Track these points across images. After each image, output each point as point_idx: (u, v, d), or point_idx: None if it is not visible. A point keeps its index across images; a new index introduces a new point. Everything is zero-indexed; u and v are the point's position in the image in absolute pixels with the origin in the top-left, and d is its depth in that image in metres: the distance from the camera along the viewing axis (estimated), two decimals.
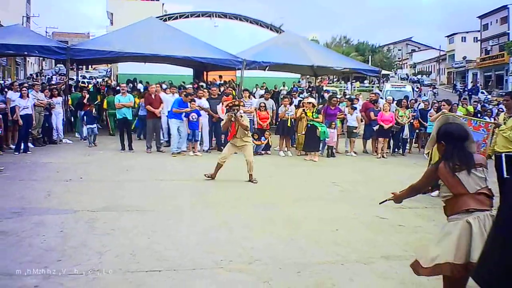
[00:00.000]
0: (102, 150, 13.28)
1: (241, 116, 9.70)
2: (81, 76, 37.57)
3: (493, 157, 7.96)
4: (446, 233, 3.50)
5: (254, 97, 17.81)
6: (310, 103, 13.72)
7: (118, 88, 17.97)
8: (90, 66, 56.05)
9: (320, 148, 13.88)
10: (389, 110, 14.87)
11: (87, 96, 15.91)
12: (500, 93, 36.62)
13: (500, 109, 16.51)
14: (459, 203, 3.50)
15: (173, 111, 12.84)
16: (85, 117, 14.53)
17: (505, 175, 4.78)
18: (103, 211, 6.90)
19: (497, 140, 7.83)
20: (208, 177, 9.68)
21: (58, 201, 7.52)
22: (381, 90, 24.67)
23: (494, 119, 12.15)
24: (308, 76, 32.77)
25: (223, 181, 9.77)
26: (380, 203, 4.61)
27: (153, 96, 13.44)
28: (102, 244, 5.47)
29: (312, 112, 13.40)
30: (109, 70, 55.48)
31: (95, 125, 14.30)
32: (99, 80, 44.75)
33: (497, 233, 0.95)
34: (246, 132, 9.74)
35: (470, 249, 3.31)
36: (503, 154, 6.73)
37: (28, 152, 12.18)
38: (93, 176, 9.66)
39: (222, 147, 13.72)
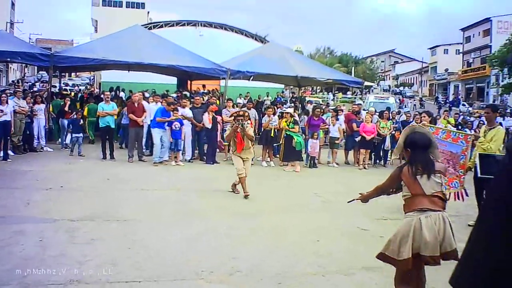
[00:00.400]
0: (83, 159, 13.16)
1: (247, 127, 9.62)
2: (63, 83, 37.20)
3: (473, 170, 8.10)
4: (401, 231, 4.01)
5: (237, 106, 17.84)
6: (288, 113, 13.81)
7: (101, 96, 17.87)
8: (73, 74, 55.60)
9: (304, 159, 13.97)
10: (371, 122, 15.01)
11: (68, 103, 15.76)
12: (481, 105, 37.23)
13: (481, 122, 16.76)
14: (415, 202, 4.01)
15: (156, 120, 12.81)
16: (71, 126, 14.33)
17: (479, 175, 4.90)
18: (83, 220, 6.84)
19: (477, 152, 7.97)
20: (237, 192, 9.54)
21: (38, 209, 7.43)
22: (363, 102, 24.88)
23: (475, 131, 12.35)
24: (291, 87, 32.90)
25: (205, 191, 9.79)
26: (348, 202, 4.93)
27: (136, 104, 13.39)
28: (82, 253, 5.42)
29: (289, 122, 13.41)
30: (92, 77, 55.13)
31: (81, 134, 14.06)
32: (82, 87, 44.45)
33: (479, 235, 1.00)
34: (251, 144, 9.72)
35: (420, 244, 3.84)
36: (477, 153, 6.88)
37: (8, 160, 12.03)
38: (74, 185, 9.56)
39: (205, 157, 13.76)
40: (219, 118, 13.99)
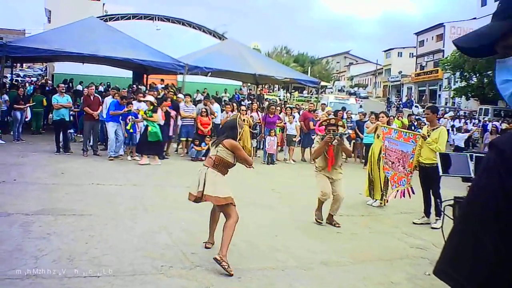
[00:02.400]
0: (37, 152, 12.80)
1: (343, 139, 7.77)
2: (15, 74, 36.01)
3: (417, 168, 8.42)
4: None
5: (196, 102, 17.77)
6: (147, 101, 12.63)
7: (49, 88, 17.42)
8: (24, 64, 53.81)
9: (262, 156, 14.08)
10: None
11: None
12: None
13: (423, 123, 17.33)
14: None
15: (110, 114, 12.61)
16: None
17: (440, 173, 5.05)
18: (38, 215, 6.67)
19: (422, 152, 8.24)
20: (320, 221, 7.62)
21: None
22: (318, 101, 25.13)
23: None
24: (249, 84, 32.95)
25: (161, 185, 9.72)
26: None
27: (91, 98, 13.14)
28: (38, 248, 5.30)
29: (148, 111, 12.30)
30: (44, 69, 53.53)
31: (72, 130, 13.61)
32: (34, 79, 43.12)
33: (465, 228, 0.94)
34: (344, 158, 8.07)
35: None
36: (437, 153, 7.16)
37: None
38: (28, 179, 9.29)
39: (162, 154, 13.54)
40: (173, 112, 13.84)
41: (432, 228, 7.90)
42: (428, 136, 8.22)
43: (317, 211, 7.62)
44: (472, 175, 4.67)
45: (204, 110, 14.43)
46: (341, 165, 7.78)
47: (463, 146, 20.04)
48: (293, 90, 48.51)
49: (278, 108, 16.22)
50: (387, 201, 9.33)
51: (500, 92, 1.13)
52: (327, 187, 7.43)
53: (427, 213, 8.30)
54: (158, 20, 36.80)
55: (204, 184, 5.63)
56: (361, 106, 36.48)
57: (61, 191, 8.42)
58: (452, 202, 4.47)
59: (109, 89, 16.41)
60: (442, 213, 7.75)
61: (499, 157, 0.91)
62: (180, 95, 15.55)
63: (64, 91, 13.63)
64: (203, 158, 13.62)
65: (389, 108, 43.15)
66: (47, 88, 22.34)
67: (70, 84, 25.36)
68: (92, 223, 6.55)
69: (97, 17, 26.01)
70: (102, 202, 7.88)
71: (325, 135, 7.54)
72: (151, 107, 12.39)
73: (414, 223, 8.21)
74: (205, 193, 5.58)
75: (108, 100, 13.73)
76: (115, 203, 7.90)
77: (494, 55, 1.11)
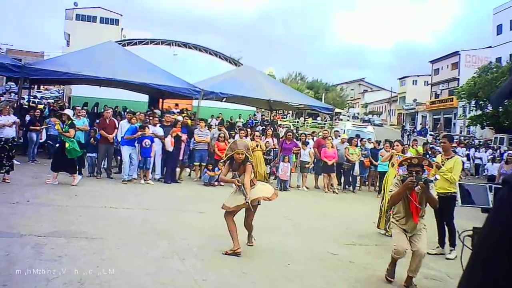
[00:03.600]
0: (51, 173, 12.86)
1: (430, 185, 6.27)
2: (32, 95, 36.52)
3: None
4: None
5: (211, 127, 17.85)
6: (64, 114, 11.99)
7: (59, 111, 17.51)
8: (41, 86, 54.63)
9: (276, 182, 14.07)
10: (332, 147, 15.19)
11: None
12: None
13: (437, 152, 17.26)
14: None
15: (125, 138, 12.69)
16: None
17: (460, 204, 4.99)
18: (50, 237, 6.67)
19: (437, 181, 8.15)
20: (390, 280, 6.25)
21: (3, 224, 7.21)
22: (332, 127, 25.06)
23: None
24: (263, 110, 33.09)
25: (174, 210, 9.69)
26: None
27: (107, 121, 13.25)
28: (49, 271, 5.27)
29: (65, 125, 11.55)
30: (61, 91, 54.29)
31: (95, 154, 13.36)
32: (51, 101, 43.69)
33: (476, 266, 0.91)
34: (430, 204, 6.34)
35: None
36: (457, 183, 7.09)
37: None
38: (41, 200, 9.33)
39: (174, 178, 13.57)
40: (184, 136, 13.86)
41: (447, 259, 7.77)
42: (443, 165, 8.15)
43: (389, 266, 6.29)
44: (491, 206, 4.61)
45: (222, 135, 14.49)
46: (424, 215, 6.23)
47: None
48: (307, 116, 48.63)
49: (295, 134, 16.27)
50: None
51: None
52: (403, 242, 6.07)
53: (441, 243, 8.17)
54: (175, 45, 37.33)
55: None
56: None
57: (74, 214, 8.43)
58: (471, 232, 4.40)
59: (125, 113, 16.51)
60: (456, 243, 7.66)
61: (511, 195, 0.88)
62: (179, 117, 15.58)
63: (80, 114, 13.73)
64: (216, 183, 13.64)
65: (403, 136, 42.93)
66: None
67: (96, 108, 25.30)
68: (103, 246, 6.53)
69: (115, 42, 26.45)
70: (115, 225, 7.87)
71: (407, 176, 6.14)
72: (69, 121, 11.67)
73: (428, 253, 8.06)
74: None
75: (124, 124, 13.85)
76: (127, 227, 7.88)
77: None
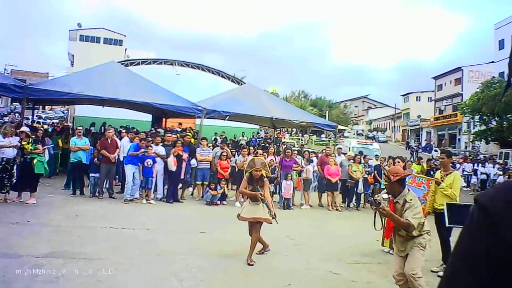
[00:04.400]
0: (53, 193, 12.85)
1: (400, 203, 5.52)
2: (36, 116, 36.71)
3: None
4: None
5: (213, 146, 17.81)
6: (22, 132, 11.55)
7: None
8: (46, 107, 55.00)
9: (278, 200, 13.98)
10: (334, 164, 15.12)
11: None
12: (453, 152, 37.85)
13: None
14: None
15: (129, 154, 12.69)
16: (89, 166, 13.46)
17: (447, 224, 4.90)
18: (48, 257, 6.60)
19: (436, 197, 8.07)
20: None
21: (2, 244, 7.16)
22: (336, 144, 24.98)
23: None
24: (267, 128, 33.10)
25: (175, 231, 9.60)
26: None
27: (109, 140, 13.24)
28: None
29: (28, 142, 11.34)
30: (66, 111, 54.58)
31: (97, 174, 13.17)
32: (55, 121, 43.92)
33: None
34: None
35: None
36: (445, 203, 6.97)
37: None
38: (42, 220, 9.28)
39: (176, 198, 13.49)
40: (185, 155, 13.82)
41: (439, 276, 7.62)
42: (442, 181, 8.08)
43: None
44: None
45: (224, 153, 14.44)
46: (416, 233, 5.53)
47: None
48: (311, 134, 48.59)
49: (295, 151, 16.21)
50: None
51: None
52: (395, 265, 5.77)
53: (445, 260, 8.04)
54: (178, 65, 37.50)
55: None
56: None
57: (73, 234, 8.37)
58: None
59: (127, 132, 16.51)
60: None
61: (481, 214, 0.83)
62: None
63: (81, 133, 13.68)
64: (219, 202, 13.56)
65: (411, 153, 42.64)
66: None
67: (103, 128, 25.20)
68: (101, 267, 6.44)
69: (119, 62, 26.61)
70: (114, 246, 7.80)
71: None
72: (29, 139, 11.44)
73: (432, 271, 7.94)
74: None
75: (125, 143, 13.83)
76: (127, 247, 7.80)
77: None
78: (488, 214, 0.81)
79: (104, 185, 13.23)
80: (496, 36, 47.45)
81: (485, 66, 52.90)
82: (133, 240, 8.34)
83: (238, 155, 15.71)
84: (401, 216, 5.32)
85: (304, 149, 19.63)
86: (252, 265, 7.31)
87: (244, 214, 7.58)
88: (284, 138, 39.97)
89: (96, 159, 13.17)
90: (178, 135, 18.38)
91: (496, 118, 34.62)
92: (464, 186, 16.42)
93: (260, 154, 14.84)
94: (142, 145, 12.83)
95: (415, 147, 49.31)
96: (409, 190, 5.53)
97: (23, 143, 11.20)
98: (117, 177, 14.31)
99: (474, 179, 26.32)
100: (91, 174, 13.32)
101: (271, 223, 7.52)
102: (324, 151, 17.07)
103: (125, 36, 68.30)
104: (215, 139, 23.63)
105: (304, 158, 15.91)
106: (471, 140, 43.90)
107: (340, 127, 30.70)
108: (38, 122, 32.92)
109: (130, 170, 12.62)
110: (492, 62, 48.87)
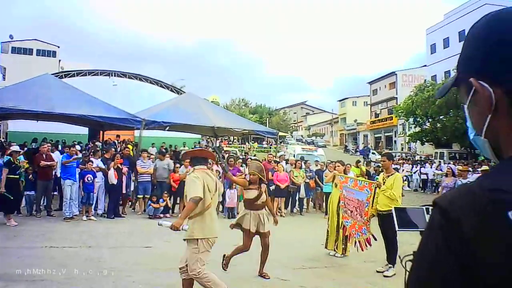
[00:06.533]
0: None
1: None
2: None
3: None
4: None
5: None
6: None
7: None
8: None
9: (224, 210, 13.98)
10: (283, 170, 15.34)
11: None
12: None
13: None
14: None
15: (62, 163, 12.37)
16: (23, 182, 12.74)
17: (396, 228, 5.07)
18: None
19: (379, 199, 8.34)
20: None
21: None
22: (277, 152, 25.18)
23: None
24: (208, 137, 33.00)
25: (119, 246, 9.40)
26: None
27: (44, 156, 12.79)
28: None
29: None
30: None
31: (33, 192, 12.66)
32: None
33: None
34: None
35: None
36: (393, 208, 7.24)
37: None
38: None
39: (117, 213, 13.20)
40: (124, 169, 13.61)
41: (385, 276, 7.87)
42: (384, 182, 8.34)
43: None
44: None
45: (178, 165, 14.34)
46: None
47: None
48: (253, 141, 48.89)
49: (240, 160, 16.27)
50: (347, 250, 9.34)
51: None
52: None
53: (390, 260, 8.30)
54: (115, 75, 36.87)
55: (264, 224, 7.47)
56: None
57: (12, 255, 8.03)
58: (412, 257, 4.45)
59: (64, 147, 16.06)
60: (396, 261, 7.78)
61: (443, 218, 0.86)
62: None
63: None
64: (161, 215, 13.36)
65: (364, 155, 43.27)
66: None
67: (34, 144, 24.37)
68: None
69: (53, 74, 25.86)
70: (56, 265, 7.53)
71: None
72: None
73: (377, 271, 8.18)
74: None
75: (58, 156, 13.48)
76: (70, 266, 7.55)
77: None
78: (449, 216, 0.84)
79: (41, 203, 12.76)
80: (428, 41, 49.60)
81: (418, 70, 55.28)
82: (75, 259, 8.09)
83: (180, 166, 15.57)
84: None
85: (248, 157, 19.73)
86: (268, 278, 7.30)
87: (248, 226, 7.45)
88: (226, 146, 39.95)
89: (31, 176, 12.69)
90: (116, 147, 18.01)
91: (429, 120, 36.08)
92: (404, 187, 16.96)
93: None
94: (72, 153, 12.75)
95: (352, 151, 50.53)
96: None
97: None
98: (54, 193, 13.81)
99: (414, 180, 27.44)
100: (26, 192, 12.76)
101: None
102: (266, 158, 17.22)
103: (58, 47, 66.22)
104: (165, 149, 23.26)
105: (247, 166, 15.97)
106: (407, 141, 45.53)
107: (280, 133, 30.96)
108: None
109: (68, 186, 12.23)
110: (425, 65, 51.00)
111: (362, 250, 8.54)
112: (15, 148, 12.07)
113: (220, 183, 6.44)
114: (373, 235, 8.43)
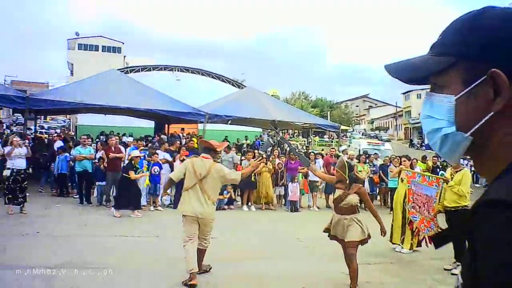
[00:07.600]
0: (60, 203, 12.81)
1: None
2: (39, 126, 36.70)
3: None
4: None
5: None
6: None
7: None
8: (48, 117, 54.93)
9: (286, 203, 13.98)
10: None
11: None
12: None
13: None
14: None
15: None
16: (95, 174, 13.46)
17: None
18: (60, 268, 6.55)
19: (446, 195, 8.04)
20: None
21: (13, 256, 7.14)
22: (341, 145, 24.87)
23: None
24: (269, 130, 33.07)
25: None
26: None
27: (112, 148, 13.20)
28: None
29: None
30: (68, 120, 54.60)
31: (104, 182, 13.18)
32: (58, 130, 43.93)
33: None
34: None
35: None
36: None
37: None
38: (51, 231, 9.24)
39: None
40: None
41: (452, 274, 7.56)
42: (452, 178, 8.05)
43: None
44: None
45: (242, 158, 14.50)
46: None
47: None
48: (313, 135, 48.57)
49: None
50: (417, 246, 9.07)
51: (422, 125, 1.03)
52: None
53: (458, 259, 8.00)
54: (178, 71, 37.55)
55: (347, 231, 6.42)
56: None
57: (83, 244, 8.34)
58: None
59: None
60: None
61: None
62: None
63: (85, 142, 13.66)
64: (226, 206, 13.50)
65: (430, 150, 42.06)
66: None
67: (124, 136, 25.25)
68: (114, 277, 6.42)
69: (118, 69, 26.62)
70: (125, 255, 7.76)
71: None
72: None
73: (445, 269, 7.90)
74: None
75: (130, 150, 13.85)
76: (139, 255, 7.77)
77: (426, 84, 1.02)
78: None
79: (110, 194, 13.20)
80: None
81: None
82: (144, 249, 8.30)
83: (243, 160, 15.65)
84: None
85: (310, 151, 19.60)
86: None
87: (333, 231, 6.75)
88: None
89: (102, 166, 13.15)
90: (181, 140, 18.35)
91: None
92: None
93: (265, 158, 14.73)
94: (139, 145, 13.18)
95: (417, 145, 49.14)
96: None
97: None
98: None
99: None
100: (97, 183, 13.31)
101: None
102: (328, 152, 17.03)
103: (123, 43, 68.33)
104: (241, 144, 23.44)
105: (310, 159, 15.85)
106: None
107: (342, 127, 30.60)
108: (41, 132, 32.89)
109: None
110: None
111: (431, 244, 8.25)
112: (135, 153, 12.52)
113: (224, 171, 6.78)
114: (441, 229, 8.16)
